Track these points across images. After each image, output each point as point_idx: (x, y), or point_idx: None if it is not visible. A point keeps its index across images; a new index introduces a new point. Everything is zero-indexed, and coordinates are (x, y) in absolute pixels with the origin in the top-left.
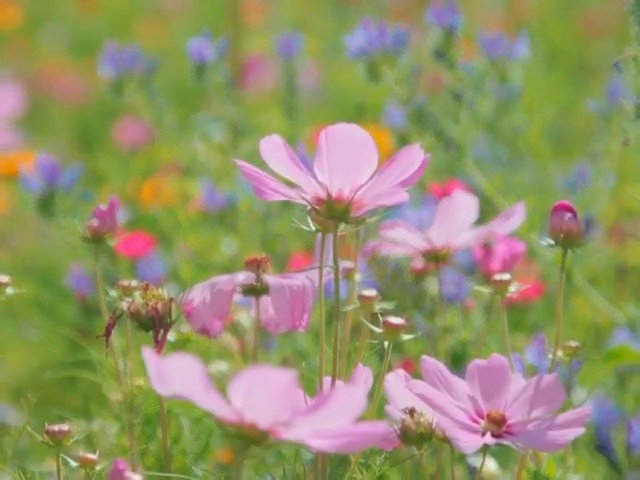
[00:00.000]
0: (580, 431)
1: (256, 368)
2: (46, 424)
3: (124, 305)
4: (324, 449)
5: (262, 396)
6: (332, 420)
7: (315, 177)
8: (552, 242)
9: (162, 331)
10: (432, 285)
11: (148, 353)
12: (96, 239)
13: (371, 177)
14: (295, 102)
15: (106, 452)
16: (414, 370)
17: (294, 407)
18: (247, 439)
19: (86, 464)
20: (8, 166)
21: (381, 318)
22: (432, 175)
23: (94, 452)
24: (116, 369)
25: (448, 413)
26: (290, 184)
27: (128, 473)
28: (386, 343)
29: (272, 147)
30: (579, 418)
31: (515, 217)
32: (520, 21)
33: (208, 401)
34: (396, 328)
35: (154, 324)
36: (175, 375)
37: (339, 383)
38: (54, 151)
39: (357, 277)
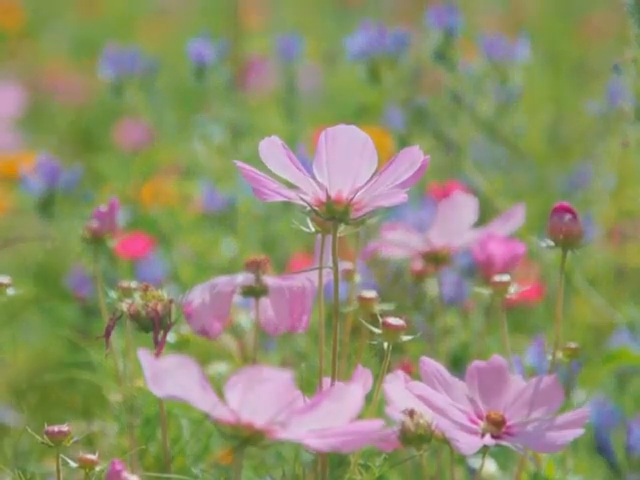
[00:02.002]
0: (579, 432)
1: (252, 368)
2: (46, 425)
3: (124, 306)
4: (321, 448)
5: (258, 396)
6: (329, 419)
7: (314, 178)
8: (552, 243)
9: (162, 332)
10: (432, 286)
11: (143, 354)
12: (96, 240)
13: (371, 178)
14: (295, 103)
15: (106, 453)
16: (414, 371)
17: (291, 407)
18: (244, 439)
19: (86, 465)
20: (9, 166)
21: (380, 319)
22: (432, 176)
23: (94, 453)
24: (116, 370)
25: (447, 414)
26: (290, 185)
27: (125, 474)
28: (385, 344)
29: (271, 148)
30: (578, 419)
31: (515, 218)
32: (520, 23)
33: (204, 402)
34: (396, 329)
35: (154, 325)
36: (171, 376)
37: (337, 383)
38: (54, 152)
39: (357, 278)
